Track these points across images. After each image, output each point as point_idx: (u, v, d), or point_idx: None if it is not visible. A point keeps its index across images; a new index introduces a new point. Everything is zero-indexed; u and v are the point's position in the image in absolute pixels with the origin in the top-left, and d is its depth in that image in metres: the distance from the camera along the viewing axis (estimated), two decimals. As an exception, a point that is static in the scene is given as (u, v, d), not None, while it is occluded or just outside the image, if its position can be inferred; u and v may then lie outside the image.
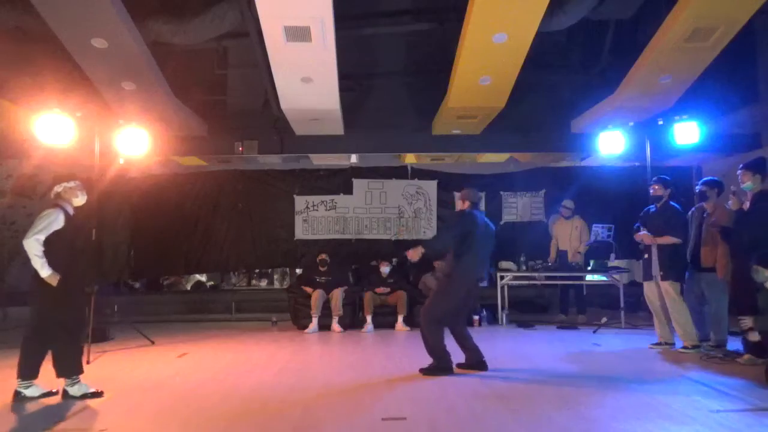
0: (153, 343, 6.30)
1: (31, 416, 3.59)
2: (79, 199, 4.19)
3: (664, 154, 8.02)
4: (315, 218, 8.69)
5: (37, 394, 3.93)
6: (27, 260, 3.91)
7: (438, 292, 4.77)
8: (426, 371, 4.54)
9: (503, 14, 5.74)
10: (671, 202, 5.70)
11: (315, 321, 7.25)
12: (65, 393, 3.94)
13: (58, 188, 4.12)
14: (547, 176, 8.94)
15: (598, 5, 7.53)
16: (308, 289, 7.53)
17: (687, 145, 6.94)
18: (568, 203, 7.95)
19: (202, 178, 8.84)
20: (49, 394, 3.98)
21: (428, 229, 8.71)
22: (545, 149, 9.30)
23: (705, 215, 5.34)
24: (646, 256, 5.74)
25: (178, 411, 3.62)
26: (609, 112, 7.84)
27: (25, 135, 6.92)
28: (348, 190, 8.74)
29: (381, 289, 7.49)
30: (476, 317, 7.57)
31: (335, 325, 7.23)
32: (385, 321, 7.39)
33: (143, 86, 7.03)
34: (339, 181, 8.78)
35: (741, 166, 5.00)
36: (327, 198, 8.72)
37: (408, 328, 7.18)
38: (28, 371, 3.94)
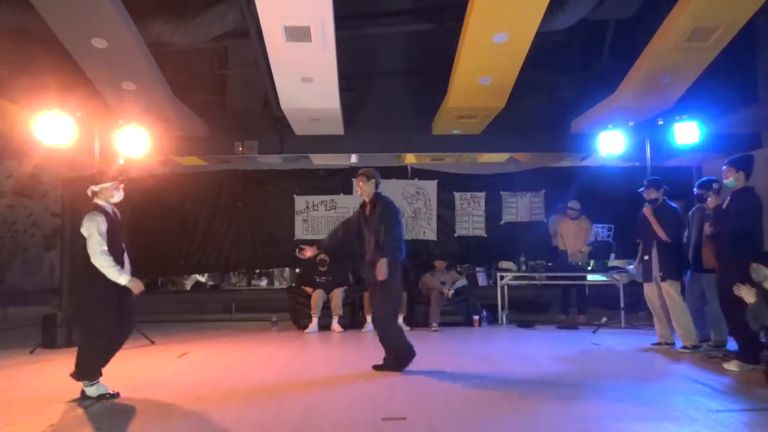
0: (153, 343, 6.31)
1: (32, 416, 3.58)
2: (116, 197, 4.13)
3: (664, 154, 8.02)
4: (315, 218, 8.68)
5: (97, 393, 3.92)
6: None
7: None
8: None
9: (503, 14, 5.73)
10: (668, 202, 5.70)
11: (315, 321, 7.26)
12: (83, 393, 3.93)
13: (94, 188, 4.05)
14: (547, 176, 8.93)
15: (598, 5, 7.53)
16: (308, 289, 7.53)
17: (687, 145, 6.94)
18: (574, 204, 7.90)
19: (202, 178, 8.84)
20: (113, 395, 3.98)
21: (428, 230, 8.71)
22: (545, 149, 9.29)
23: (706, 215, 5.34)
24: (646, 257, 5.74)
25: (178, 411, 3.62)
26: (609, 112, 7.83)
27: (25, 135, 6.91)
28: (348, 190, 8.73)
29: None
30: (476, 317, 7.56)
31: (335, 325, 7.24)
32: (385, 321, 7.38)
33: (143, 86, 7.03)
34: (339, 181, 8.76)
35: (726, 161, 4.92)
36: (327, 198, 8.72)
37: (408, 328, 7.16)
38: (92, 372, 3.92)
